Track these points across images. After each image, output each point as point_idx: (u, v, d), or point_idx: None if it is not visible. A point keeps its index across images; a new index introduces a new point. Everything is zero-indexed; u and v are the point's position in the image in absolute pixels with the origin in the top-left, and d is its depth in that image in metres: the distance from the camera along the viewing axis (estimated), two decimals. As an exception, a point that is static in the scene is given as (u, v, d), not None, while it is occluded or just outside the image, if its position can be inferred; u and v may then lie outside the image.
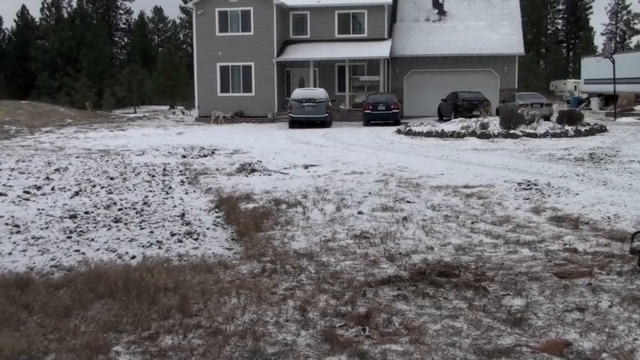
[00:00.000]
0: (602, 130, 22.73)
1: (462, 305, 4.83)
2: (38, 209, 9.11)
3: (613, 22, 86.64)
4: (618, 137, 20.54)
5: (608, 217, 8.06)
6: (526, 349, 4.00)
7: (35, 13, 75.72)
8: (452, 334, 4.27)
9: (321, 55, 34.79)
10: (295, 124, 28.96)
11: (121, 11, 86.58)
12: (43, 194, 10.53)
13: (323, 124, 29.13)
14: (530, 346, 4.05)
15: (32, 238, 7.36)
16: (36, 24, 76.10)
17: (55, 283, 5.38)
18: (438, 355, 3.92)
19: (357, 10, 36.40)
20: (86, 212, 8.88)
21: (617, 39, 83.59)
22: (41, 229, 7.84)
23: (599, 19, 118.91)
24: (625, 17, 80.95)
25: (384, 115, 29.84)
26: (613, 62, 31.58)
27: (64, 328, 4.36)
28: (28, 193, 10.58)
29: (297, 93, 30.03)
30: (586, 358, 3.85)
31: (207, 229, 7.82)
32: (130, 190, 11.01)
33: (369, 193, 10.20)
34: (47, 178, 12.44)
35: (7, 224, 8.10)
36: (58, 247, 6.93)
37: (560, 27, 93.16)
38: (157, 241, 7.14)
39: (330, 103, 29.94)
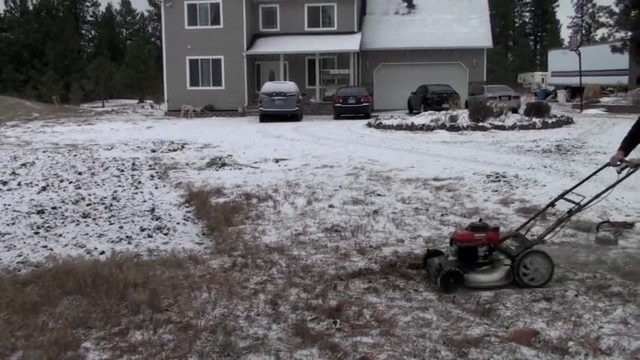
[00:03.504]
0: (568, 122, 23.06)
1: (432, 297, 4.87)
2: (4, 205, 8.96)
3: (579, 15, 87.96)
4: (584, 129, 20.86)
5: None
6: (495, 338, 4.05)
7: (-1, 5, 74.52)
8: (422, 325, 4.31)
9: (291, 48, 34.74)
10: (266, 117, 28.89)
11: (88, 3, 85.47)
12: (9, 189, 10.37)
13: (293, 117, 29.10)
14: (498, 335, 4.10)
15: (-2, 234, 7.24)
16: (0, 16, 74.65)
17: (22, 280, 5.30)
18: (409, 347, 3.95)
19: (326, 3, 36.40)
20: (54, 208, 8.76)
21: (583, 32, 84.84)
22: (7, 224, 7.71)
23: (565, 12, 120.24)
24: (590, 10, 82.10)
25: (355, 108, 29.91)
26: (579, 55, 32.04)
27: (31, 324, 4.30)
28: (-7, 188, 10.41)
29: (268, 86, 29.95)
30: (553, 346, 3.91)
31: (178, 223, 7.77)
32: (98, 185, 10.89)
33: (340, 186, 10.22)
34: (13, 173, 12.25)
35: (-28, 221, 7.96)
36: (25, 243, 6.82)
37: (527, 20, 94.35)
38: (127, 237, 7.08)
39: (300, 97, 29.93)
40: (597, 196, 5.48)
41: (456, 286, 4.96)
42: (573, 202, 5.45)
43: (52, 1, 76.47)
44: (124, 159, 14.70)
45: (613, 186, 5.54)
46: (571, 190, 5.69)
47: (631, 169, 5.47)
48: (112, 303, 4.70)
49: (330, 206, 8.58)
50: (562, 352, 3.84)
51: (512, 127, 20.79)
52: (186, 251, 6.36)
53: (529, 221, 5.94)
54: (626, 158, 5.56)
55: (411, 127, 21.83)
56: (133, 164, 13.69)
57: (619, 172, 5.54)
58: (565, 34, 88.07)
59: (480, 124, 21.04)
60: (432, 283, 5.14)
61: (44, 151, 16.63)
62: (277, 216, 8.06)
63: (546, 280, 5.06)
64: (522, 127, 20.85)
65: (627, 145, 5.68)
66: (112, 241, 6.87)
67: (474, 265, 5.17)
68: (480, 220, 5.82)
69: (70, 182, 11.11)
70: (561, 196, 5.69)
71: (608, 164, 5.71)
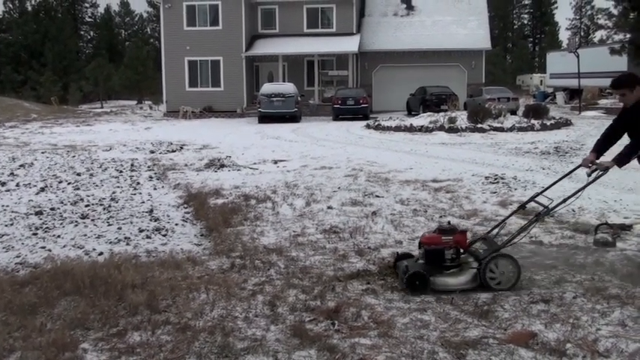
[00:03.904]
0: (567, 123, 23.08)
1: (430, 299, 4.87)
2: (2, 206, 8.96)
3: (577, 17, 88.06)
4: (583, 131, 20.88)
5: (573, 210, 8.18)
6: (493, 340, 4.05)
7: (-2, 6, 74.58)
8: (420, 327, 4.31)
9: (289, 49, 34.75)
10: (264, 119, 28.89)
11: (87, 4, 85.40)
12: (8, 190, 10.36)
13: (292, 118, 29.11)
14: (496, 337, 4.10)
15: (-4, 235, 7.23)
16: (-1, 17, 74.66)
17: (21, 281, 5.30)
18: (407, 348, 3.95)
19: (325, 4, 36.44)
20: (52, 208, 8.76)
21: (582, 34, 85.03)
22: (6, 225, 7.71)
23: (564, 14, 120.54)
24: (589, 12, 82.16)
25: (353, 109, 29.93)
26: (578, 57, 32.08)
27: (29, 325, 4.30)
28: (-8, 189, 10.40)
29: (266, 88, 29.97)
30: (551, 348, 3.91)
31: (176, 224, 7.76)
32: (97, 185, 10.88)
33: (339, 187, 10.22)
34: (12, 174, 12.24)
35: (-30, 221, 7.95)
36: (23, 243, 6.82)
37: (526, 22, 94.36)
38: (125, 238, 7.07)
39: (299, 98, 29.94)
40: (565, 200, 5.50)
41: (421, 289, 4.96)
42: (543, 205, 5.45)
43: (51, 2, 76.49)
44: (123, 160, 14.70)
45: (582, 189, 5.57)
46: (542, 192, 5.71)
47: (600, 172, 5.50)
48: (110, 304, 4.69)
49: (329, 207, 8.58)
50: (560, 354, 3.84)
51: (511, 129, 20.80)
52: (184, 252, 6.36)
53: (499, 224, 5.93)
54: (598, 161, 5.58)
55: (410, 129, 21.84)
56: (132, 165, 13.68)
57: (589, 175, 5.58)
58: (564, 36, 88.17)
59: (479, 125, 21.05)
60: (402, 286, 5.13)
61: (43, 152, 16.62)
62: (276, 217, 8.06)
63: (513, 283, 5.04)
64: (521, 129, 20.87)
65: (600, 148, 5.74)
66: (111, 242, 6.87)
67: (442, 268, 5.16)
68: (449, 222, 5.83)
69: (69, 183, 11.11)
70: (532, 199, 5.70)
71: (580, 165, 5.74)
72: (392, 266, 5.54)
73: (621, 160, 5.44)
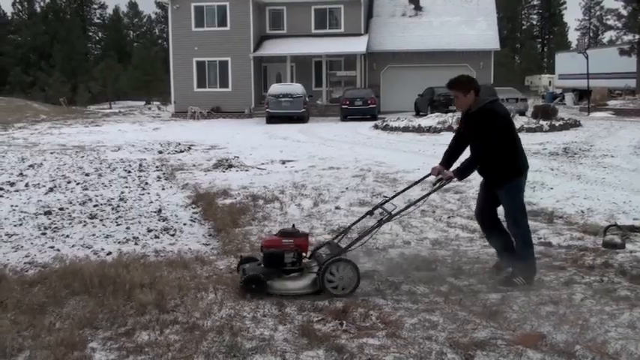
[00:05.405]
0: (576, 124, 22.98)
1: (439, 299, 4.86)
2: (12, 206, 9.00)
3: (587, 18, 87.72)
4: (592, 132, 20.78)
5: (582, 211, 8.16)
6: (501, 342, 4.04)
7: (7, 7, 74.96)
8: (428, 327, 4.30)
9: (297, 50, 34.75)
10: (272, 119, 28.93)
11: (95, 6, 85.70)
12: (17, 190, 10.40)
13: (300, 119, 29.13)
14: (505, 339, 4.09)
15: (6, 234, 7.26)
16: (8, 18, 75.00)
17: (30, 280, 5.32)
18: (415, 349, 3.95)
19: (333, 5, 36.42)
20: (61, 208, 8.79)
21: (591, 34, 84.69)
22: (15, 225, 7.74)
23: (573, 15, 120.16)
24: (598, 13, 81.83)
25: (361, 110, 29.92)
26: (587, 57, 31.96)
27: (38, 324, 4.32)
28: (1, 189, 10.44)
29: (274, 88, 30.00)
30: (560, 350, 3.90)
31: (184, 224, 7.78)
32: (105, 186, 10.91)
33: (347, 188, 10.21)
34: (21, 174, 12.29)
35: (-20, 221, 7.98)
36: (32, 243, 6.85)
37: (535, 22, 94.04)
38: (134, 237, 7.10)
39: (307, 99, 29.95)
40: (408, 207, 5.55)
41: (258, 292, 4.87)
42: (387, 211, 5.44)
43: (60, 3, 76.83)
44: (131, 160, 14.74)
45: (426, 196, 5.64)
46: (390, 199, 5.73)
47: (444, 181, 5.50)
48: (118, 303, 4.70)
49: (337, 208, 8.58)
50: (569, 355, 3.82)
51: (520, 130, 20.55)
52: (192, 252, 6.37)
53: (346, 230, 5.88)
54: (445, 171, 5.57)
55: (418, 129, 21.82)
56: (140, 165, 13.71)
57: (434, 184, 5.59)
58: (573, 36, 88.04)
59: (487, 126, 20.95)
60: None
61: (52, 153, 16.68)
62: (284, 217, 8.07)
63: (352, 289, 4.99)
64: (529, 130, 20.80)
65: (445, 161, 5.68)
66: (119, 242, 6.89)
67: (282, 272, 5.09)
68: (293, 225, 5.81)
69: (78, 183, 11.14)
70: (379, 206, 5.68)
71: (429, 174, 5.67)
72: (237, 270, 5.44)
73: (460, 174, 5.41)
